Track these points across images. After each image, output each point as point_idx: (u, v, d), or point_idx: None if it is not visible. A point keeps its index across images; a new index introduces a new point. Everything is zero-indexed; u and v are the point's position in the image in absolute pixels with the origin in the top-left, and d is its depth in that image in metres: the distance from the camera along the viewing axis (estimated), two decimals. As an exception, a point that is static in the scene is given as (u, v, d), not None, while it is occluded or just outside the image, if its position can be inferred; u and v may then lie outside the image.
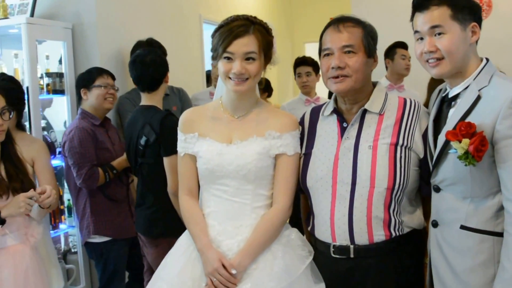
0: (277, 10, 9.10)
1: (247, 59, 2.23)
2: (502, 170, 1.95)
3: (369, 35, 2.26)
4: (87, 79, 3.80)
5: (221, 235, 2.29)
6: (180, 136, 2.43)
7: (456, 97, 2.13)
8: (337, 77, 2.23)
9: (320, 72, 2.38)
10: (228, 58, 2.23)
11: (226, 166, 2.27)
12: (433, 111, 2.22)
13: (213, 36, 2.30)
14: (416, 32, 2.13)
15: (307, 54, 5.43)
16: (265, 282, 2.18)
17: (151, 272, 3.17)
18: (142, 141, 3.25)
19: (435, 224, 2.14)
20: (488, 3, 6.35)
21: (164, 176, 3.12)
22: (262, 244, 2.25)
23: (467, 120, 1.98)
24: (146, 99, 3.40)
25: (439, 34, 2.05)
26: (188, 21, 5.60)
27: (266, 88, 6.02)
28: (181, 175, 2.46)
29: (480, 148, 1.90)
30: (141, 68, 3.34)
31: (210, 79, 5.36)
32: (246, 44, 2.21)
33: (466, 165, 1.93)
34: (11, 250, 2.79)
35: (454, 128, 1.98)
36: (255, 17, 2.29)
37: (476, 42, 2.11)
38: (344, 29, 2.24)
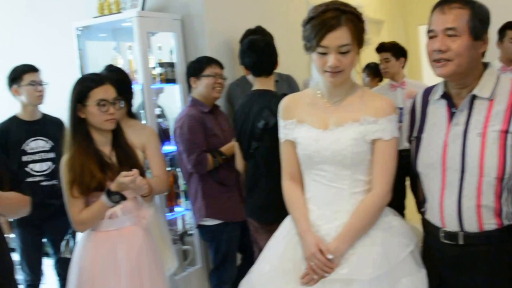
0: (389, -9, 8.79)
1: (341, 51, 2.15)
2: None
3: (477, 17, 2.08)
4: (196, 68, 3.87)
5: (320, 219, 2.27)
6: (280, 122, 2.43)
7: None
8: (439, 61, 2.10)
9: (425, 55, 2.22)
10: (322, 52, 2.17)
11: (322, 152, 2.24)
12: None
13: (304, 26, 2.24)
14: None
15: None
16: (363, 268, 2.14)
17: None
18: (260, 124, 3.26)
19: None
20: None
21: (279, 161, 3.11)
22: (360, 229, 2.20)
23: None
24: (260, 84, 3.42)
25: None
26: (295, 8, 5.53)
27: (377, 73, 5.85)
28: (283, 160, 2.47)
29: None
30: (257, 53, 3.38)
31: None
32: (339, 37, 2.14)
33: None
34: (125, 231, 2.89)
35: None
36: (345, 5, 2.19)
37: None
38: (449, 11, 2.08)
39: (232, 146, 3.77)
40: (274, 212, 3.14)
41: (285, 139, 2.41)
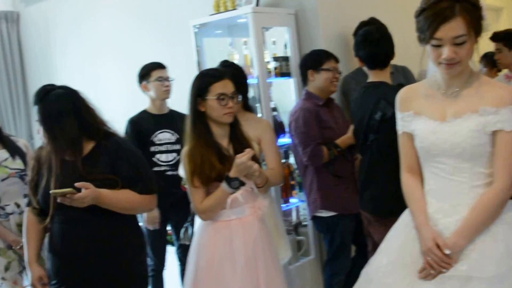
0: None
1: (457, 43, 2.06)
2: None
3: None
4: (315, 61, 3.87)
5: (439, 213, 2.21)
6: (398, 114, 2.39)
7: None
8: None
9: None
10: (437, 44, 2.09)
11: (440, 145, 2.18)
12: None
13: (416, 17, 2.17)
14: None
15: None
16: (483, 265, 2.06)
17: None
18: (377, 116, 3.22)
19: None
20: None
21: (397, 153, 3.06)
22: (480, 224, 2.11)
23: None
24: (376, 76, 3.37)
25: None
26: (411, -1, 5.38)
27: (495, 63, 5.58)
28: (402, 153, 2.42)
29: None
30: (373, 45, 3.32)
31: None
32: (453, 28, 2.04)
33: None
34: (242, 221, 2.95)
35: None
36: None
37: None
38: None
39: (348, 138, 3.75)
40: (388, 205, 3.11)
41: (403, 131, 2.36)
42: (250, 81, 3.88)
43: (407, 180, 2.37)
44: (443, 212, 2.20)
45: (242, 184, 2.85)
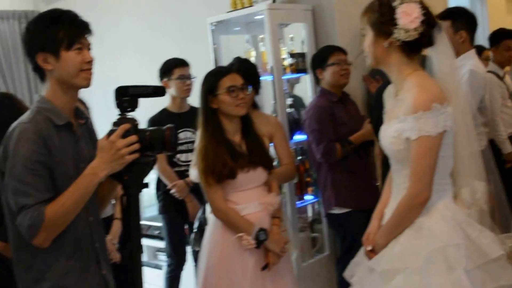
0: None
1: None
2: None
3: None
4: (320, 59, 3.92)
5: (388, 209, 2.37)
6: None
7: None
8: None
9: None
10: None
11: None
12: None
13: None
14: None
15: None
16: (380, 260, 2.22)
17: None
18: None
19: None
20: None
21: None
22: (392, 227, 2.26)
23: None
24: None
25: None
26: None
27: None
28: None
29: None
30: None
31: None
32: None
33: None
34: (254, 216, 2.96)
35: None
36: None
37: None
38: None
39: (361, 135, 3.76)
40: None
41: None
42: (267, 78, 3.95)
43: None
44: (388, 209, 2.34)
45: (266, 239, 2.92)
